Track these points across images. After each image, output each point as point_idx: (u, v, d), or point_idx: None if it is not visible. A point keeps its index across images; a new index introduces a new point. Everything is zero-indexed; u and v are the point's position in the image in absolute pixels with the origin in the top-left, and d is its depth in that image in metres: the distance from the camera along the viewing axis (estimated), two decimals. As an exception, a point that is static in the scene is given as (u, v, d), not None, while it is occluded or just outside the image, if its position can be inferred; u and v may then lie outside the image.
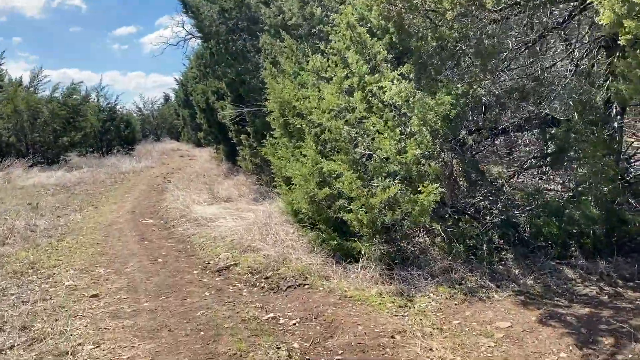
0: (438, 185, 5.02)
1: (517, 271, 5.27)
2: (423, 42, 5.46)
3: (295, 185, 6.34)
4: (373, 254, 5.51)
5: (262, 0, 10.36)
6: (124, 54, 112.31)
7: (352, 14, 5.82)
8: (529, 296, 4.84)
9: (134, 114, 36.82)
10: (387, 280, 5.23)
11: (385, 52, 5.80)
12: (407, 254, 5.72)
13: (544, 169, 6.92)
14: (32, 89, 22.06)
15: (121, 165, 20.23)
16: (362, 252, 5.63)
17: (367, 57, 5.85)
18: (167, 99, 43.76)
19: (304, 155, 6.24)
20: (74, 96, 21.95)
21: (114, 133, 26.34)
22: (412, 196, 5.21)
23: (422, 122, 5.48)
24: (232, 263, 6.26)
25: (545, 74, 6.48)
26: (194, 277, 6.01)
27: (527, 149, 7.86)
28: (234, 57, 11.71)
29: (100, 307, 5.11)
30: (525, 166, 7.38)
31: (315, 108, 6.01)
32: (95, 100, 25.80)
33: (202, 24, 12.21)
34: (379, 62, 5.76)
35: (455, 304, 4.75)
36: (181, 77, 29.47)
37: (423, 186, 5.00)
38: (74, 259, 6.99)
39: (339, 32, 5.94)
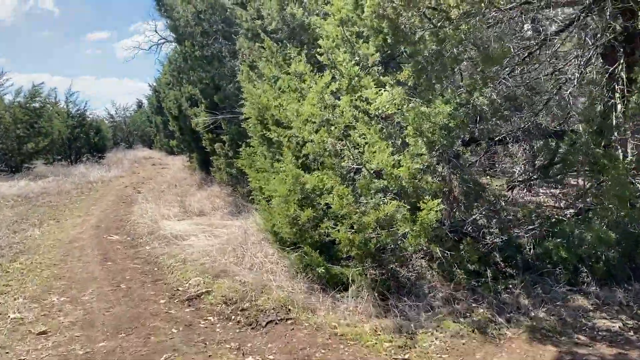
0: (439, 201, 4.42)
1: (526, 301, 4.70)
2: (422, 45, 4.88)
3: (275, 203, 5.64)
4: (365, 282, 4.87)
5: (237, 2, 9.68)
6: (97, 60, 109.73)
7: (344, 9, 5.21)
8: (544, 333, 4.24)
9: (106, 121, 35.59)
10: (382, 313, 4.58)
11: (378, 54, 5.22)
12: (403, 280, 5.09)
13: (546, 184, 6.40)
14: (-8, 93, 20.83)
15: (89, 174, 19.17)
16: (352, 279, 4.98)
17: (357, 59, 5.25)
18: (140, 105, 42.58)
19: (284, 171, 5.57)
20: (37, 98, 20.78)
21: (84, 140, 25.21)
22: (408, 214, 4.60)
23: (417, 132, 4.90)
24: (203, 290, 5.52)
25: (547, 81, 6.01)
26: (160, 307, 5.26)
27: (525, 160, 7.35)
28: (209, 61, 11.03)
29: (48, 347, 4.34)
30: (521, 179, 6.89)
31: (296, 118, 5.37)
32: (65, 106, 24.72)
33: (176, 24, 11.51)
34: (370, 64, 5.16)
35: (463, 344, 4.12)
36: (154, 83, 28.54)
37: (423, 202, 4.40)
38: (25, 284, 6.16)
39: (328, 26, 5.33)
